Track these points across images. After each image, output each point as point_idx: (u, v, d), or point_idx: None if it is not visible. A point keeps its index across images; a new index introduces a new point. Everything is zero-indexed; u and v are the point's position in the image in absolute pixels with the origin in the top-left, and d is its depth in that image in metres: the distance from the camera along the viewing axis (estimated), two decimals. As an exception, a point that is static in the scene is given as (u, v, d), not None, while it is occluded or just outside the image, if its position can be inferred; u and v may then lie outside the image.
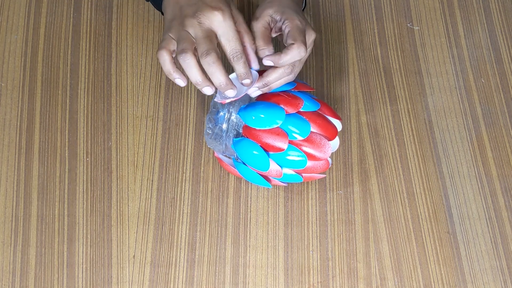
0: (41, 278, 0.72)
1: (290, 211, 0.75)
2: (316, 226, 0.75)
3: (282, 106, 0.68)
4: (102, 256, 0.73)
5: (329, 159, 0.71)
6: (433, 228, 0.75)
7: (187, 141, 0.79)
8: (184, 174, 0.77)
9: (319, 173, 0.72)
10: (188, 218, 0.75)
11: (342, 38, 0.86)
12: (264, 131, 0.68)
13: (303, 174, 0.71)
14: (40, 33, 0.85)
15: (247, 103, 0.71)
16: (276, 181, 0.73)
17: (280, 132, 0.68)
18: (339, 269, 0.73)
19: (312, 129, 0.69)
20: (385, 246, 0.74)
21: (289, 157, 0.68)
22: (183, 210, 0.75)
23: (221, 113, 0.70)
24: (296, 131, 0.68)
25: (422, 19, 0.88)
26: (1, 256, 0.73)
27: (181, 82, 0.64)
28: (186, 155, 0.78)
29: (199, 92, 0.81)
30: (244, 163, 0.70)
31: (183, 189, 0.76)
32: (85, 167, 0.77)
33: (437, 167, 0.78)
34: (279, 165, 0.69)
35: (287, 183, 0.74)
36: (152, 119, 0.80)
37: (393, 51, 0.86)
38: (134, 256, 0.73)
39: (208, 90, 0.63)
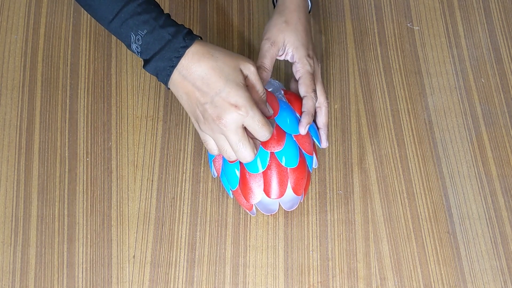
0: (41, 278, 0.72)
1: (290, 211, 0.75)
2: (316, 226, 0.75)
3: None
4: (102, 256, 0.73)
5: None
6: (433, 228, 0.75)
7: (187, 141, 0.79)
8: (184, 174, 0.77)
9: (244, 207, 0.72)
10: (188, 218, 0.75)
11: (342, 38, 0.86)
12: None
13: (234, 192, 0.72)
14: (40, 33, 0.85)
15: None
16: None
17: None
18: (339, 269, 0.73)
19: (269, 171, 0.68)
20: (385, 246, 0.74)
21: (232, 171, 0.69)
22: (183, 210, 0.75)
23: None
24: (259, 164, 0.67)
25: (422, 19, 0.88)
26: (1, 256, 0.73)
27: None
28: (186, 155, 0.78)
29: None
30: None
31: (183, 189, 0.76)
32: (85, 167, 0.77)
33: (437, 167, 0.78)
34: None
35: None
36: (152, 119, 0.80)
37: (393, 51, 0.86)
38: (134, 256, 0.73)
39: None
